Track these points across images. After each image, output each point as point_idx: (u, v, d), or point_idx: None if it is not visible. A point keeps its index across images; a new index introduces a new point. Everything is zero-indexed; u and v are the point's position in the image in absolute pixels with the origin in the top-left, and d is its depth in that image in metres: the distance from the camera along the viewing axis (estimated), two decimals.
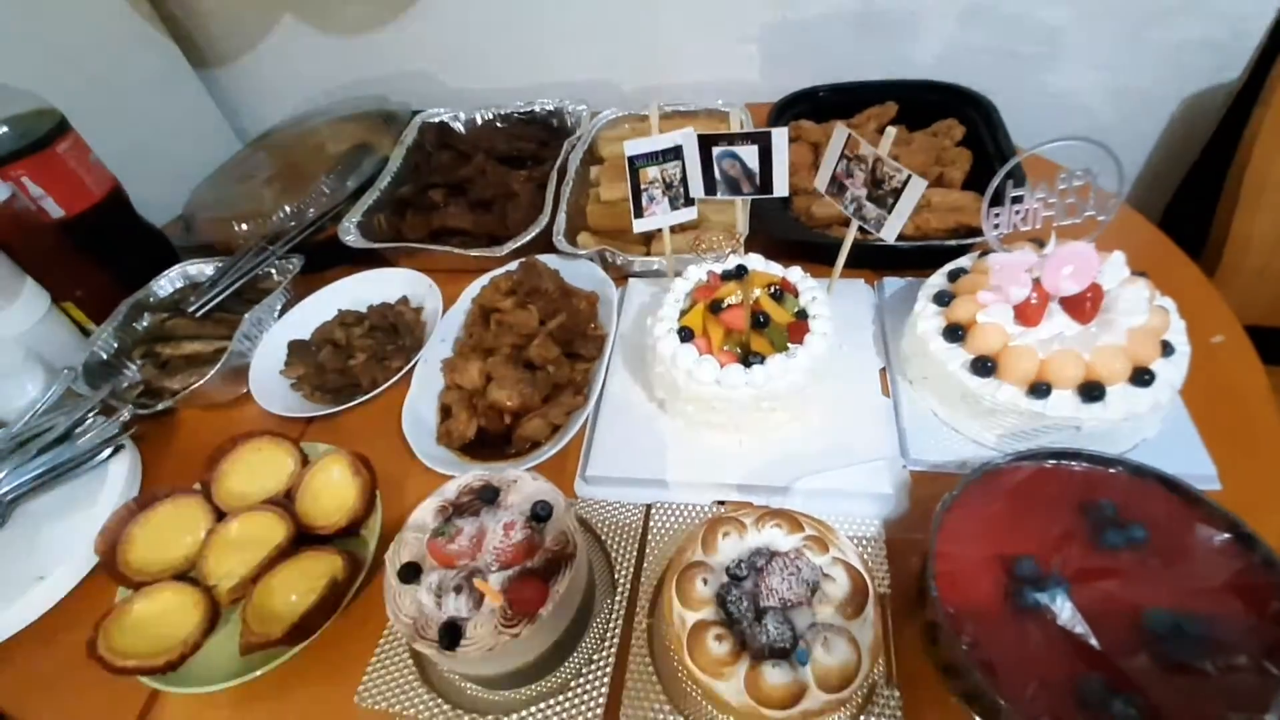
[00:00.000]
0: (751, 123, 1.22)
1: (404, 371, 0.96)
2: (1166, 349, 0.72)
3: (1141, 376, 0.70)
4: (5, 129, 1.01)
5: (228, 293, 1.07)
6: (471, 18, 1.40)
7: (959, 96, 1.18)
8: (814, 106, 1.24)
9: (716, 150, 0.82)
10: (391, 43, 1.47)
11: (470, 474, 0.70)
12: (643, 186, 0.85)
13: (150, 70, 1.42)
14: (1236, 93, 1.22)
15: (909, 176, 0.73)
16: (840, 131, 0.78)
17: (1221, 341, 0.84)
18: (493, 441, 0.88)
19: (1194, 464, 0.72)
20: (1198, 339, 0.76)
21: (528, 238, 1.05)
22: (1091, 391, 0.70)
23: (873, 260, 1.00)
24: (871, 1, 1.24)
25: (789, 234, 1.03)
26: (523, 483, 0.69)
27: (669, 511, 0.77)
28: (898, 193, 0.75)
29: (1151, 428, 0.74)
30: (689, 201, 0.87)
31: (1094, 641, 0.55)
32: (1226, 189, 1.19)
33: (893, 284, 0.98)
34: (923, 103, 1.19)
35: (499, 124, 1.37)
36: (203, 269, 1.16)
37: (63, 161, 1.06)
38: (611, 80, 1.41)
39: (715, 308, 0.80)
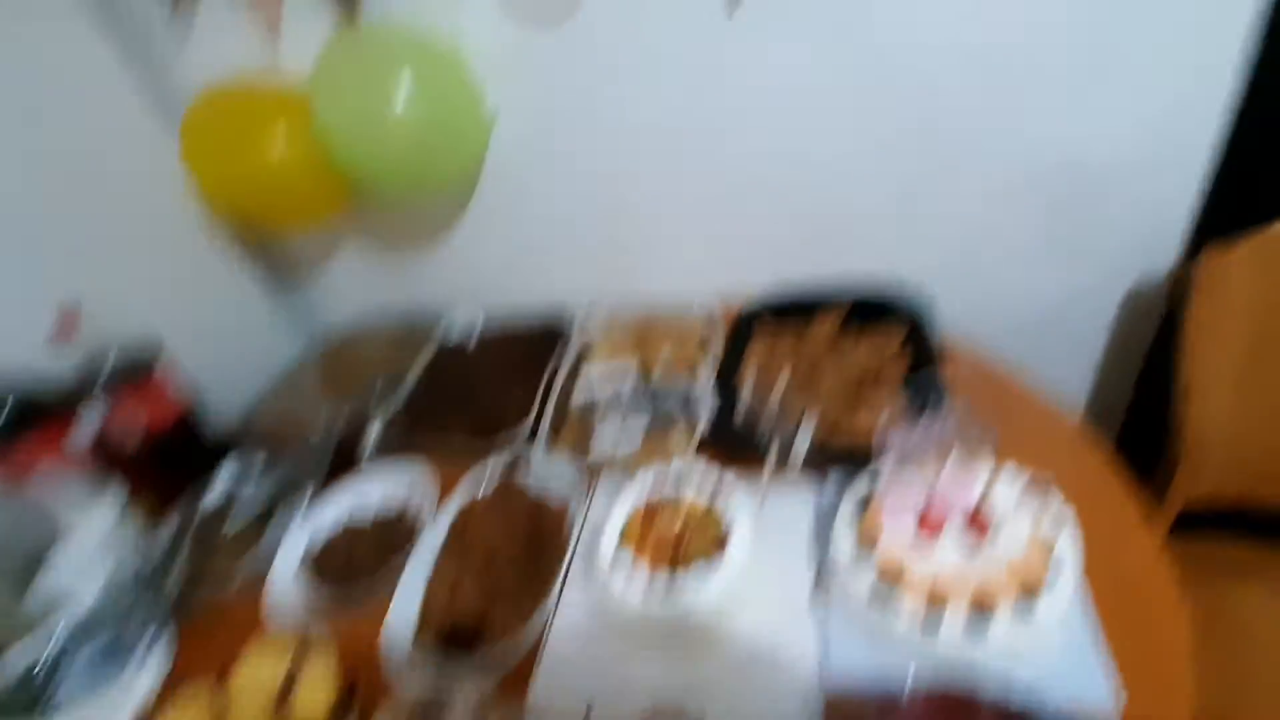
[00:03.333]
0: (722, 331, 1.38)
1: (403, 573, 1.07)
2: (1055, 568, 0.78)
3: (1030, 599, 0.75)
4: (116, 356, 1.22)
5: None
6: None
7: (897, 300, 1.31)
8: (774, 312, 1.39)
9: None
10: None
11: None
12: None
13: (228, 289, 1.68)
14: (1174, 281, 1.31)
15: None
16: None
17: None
18: (464, 642, 0.98)
19: (1092, 688, 0.74)
20: (1103, 541, 0.82)
21: (515, 441, 1.22)
22: (982, 616, 0.75)
23: (815, 460, 1.07)
24: (814, 208, 1.41)
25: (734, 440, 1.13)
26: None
27: None
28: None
29: (1051, 646, 0.77)
30: None
31: None
32: (1178, 380, 1.23)
33: (836, 482, 1.03)
34: (869, 304, 1.32)
35: (498, 334, 1.58)
36: (248, 468, 1.35)
37: (159, 385, 1.28)
38: (590, 286, 1.59)
39: (644, 532, 0.91)
